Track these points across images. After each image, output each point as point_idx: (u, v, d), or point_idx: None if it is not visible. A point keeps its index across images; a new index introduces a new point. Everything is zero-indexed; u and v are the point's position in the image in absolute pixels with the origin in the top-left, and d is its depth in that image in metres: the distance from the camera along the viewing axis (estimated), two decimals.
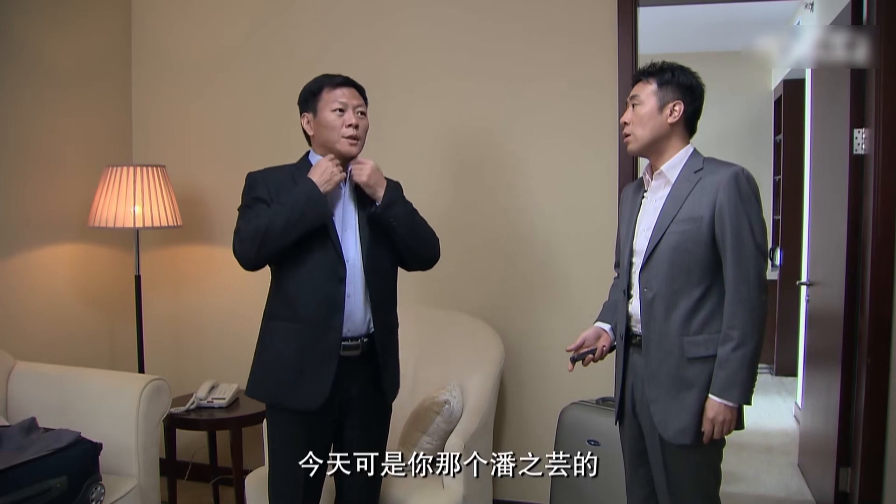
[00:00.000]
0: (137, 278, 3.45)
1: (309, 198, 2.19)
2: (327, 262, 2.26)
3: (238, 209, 2.33)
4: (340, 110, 2.27)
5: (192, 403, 3.24)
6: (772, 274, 5.88)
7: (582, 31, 3.23)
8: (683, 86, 2.16)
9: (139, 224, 3.26)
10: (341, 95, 2.29)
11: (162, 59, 3.77)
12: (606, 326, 2.36)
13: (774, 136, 6.37)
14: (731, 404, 2.04)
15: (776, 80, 6.25)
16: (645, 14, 3.37)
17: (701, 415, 2.08)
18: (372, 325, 2.33)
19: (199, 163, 3.72)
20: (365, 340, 2.32)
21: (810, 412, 3.92)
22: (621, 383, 2.27)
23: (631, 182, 2.49)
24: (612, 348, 2.34)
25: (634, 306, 2.20)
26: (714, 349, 2.07)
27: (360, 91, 2.37)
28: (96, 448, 2.50)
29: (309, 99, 2.32)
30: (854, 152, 3.12)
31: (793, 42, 5.36)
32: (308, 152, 2.40)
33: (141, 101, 3.82)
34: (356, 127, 2.29)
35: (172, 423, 3.20)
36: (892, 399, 3.01)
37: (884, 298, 2.99)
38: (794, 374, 5.26)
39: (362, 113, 2.34)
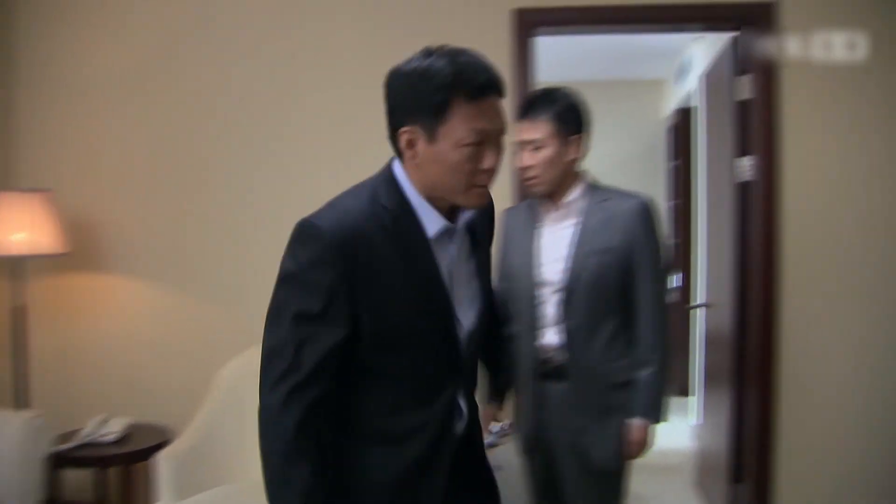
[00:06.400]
0: (19, 309, 3.26)
1: None
2: (441, 345, 1.52)
3: (277, 303, 1.45)
4: (477, 144, 1.41)
5: (79, 439, 3.08)
6: (671, 296, 6.04)
7: None
8: (580, 117, 2.17)
9: (21, 251, 3.09)
10: (482, 116, 1.40)
11: (51, 80, 3.60)
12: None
13: (669, 162, 6.58)
14: (652, 424, 2.12)
15: (670, 108, 6.47)
16: (545, 42, 3.43)
17: (622, 438, 2.13)
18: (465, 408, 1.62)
19: (91, 187, 3.55)
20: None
21: (706, 431, 4.03)
22: (532, 415, 2.25)
23: (513, 206, 2.44)
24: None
25: (549, 338, 2.18)
26: (633, 373, 2.13)
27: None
28: None
29: (424, 110, 1.40)
30: (741, 179, 3.25)
31: (683, 73, 5.61)
32: (393, 173, 1.51)
33: (26, 124, 3.62)
34: (492, 172, 1.46)
35: (58, 462, 3.03)
36: (780, 416, 3.13)
37: (769, 319, 3.11)
38: (691, 394, 5.41)
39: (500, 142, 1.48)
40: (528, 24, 3.17)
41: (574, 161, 2.17)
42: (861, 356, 3.16)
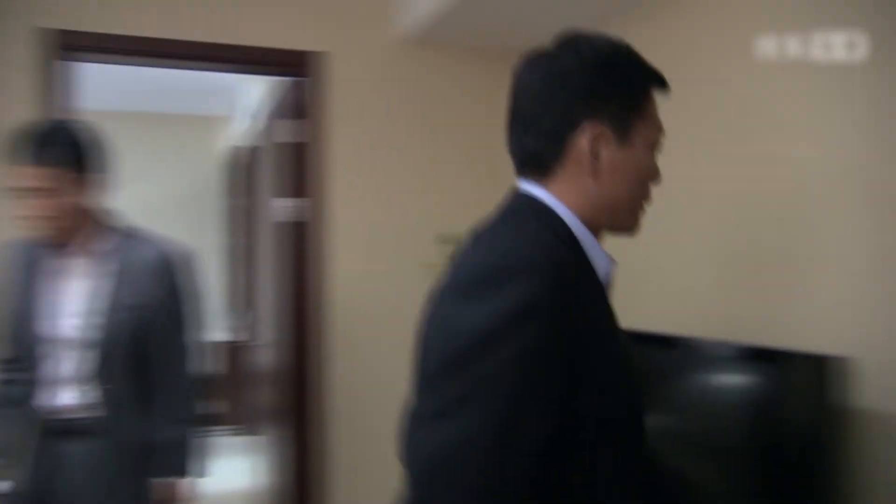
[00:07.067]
0: None
1: None
2: (640, 434, 1.10)
3: (452, 385, 0.92)
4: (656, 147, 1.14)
5: None
6: (233, 335, 5.93)
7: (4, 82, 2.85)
8: (96, 156, 1.98)
9: None
10: (659, 117, 1.13)
11: None
12: None
13: (228, 200, 6.43)
14: (186, 479, 2.05)
15: (228, 144, 6.35)
16: (92, 69, 3.21)
17: (156, 497, 2.02)
18: None
19: None
20: None
21: (269, 469, 4.02)
22: (43, 478, 1.97)
23: (14, 242, 2.09)
24: None
25: (66, 396, 1.96)
26: (165, 433, 2.03)
27: None
28: None
29: (619, 99, 1.06)
30: (294, 219, 3.30)
31: (243, 112, 5.62)
32: (540, 199, 1.08)
33: None
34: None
35: None
36: (333, 453, 3.21)
37: (317, 358, 3.20)
38: (254, 434, 5.35)
39: None
40: (60, 47, 2.83)
41: (90, 205, 1.99)
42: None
